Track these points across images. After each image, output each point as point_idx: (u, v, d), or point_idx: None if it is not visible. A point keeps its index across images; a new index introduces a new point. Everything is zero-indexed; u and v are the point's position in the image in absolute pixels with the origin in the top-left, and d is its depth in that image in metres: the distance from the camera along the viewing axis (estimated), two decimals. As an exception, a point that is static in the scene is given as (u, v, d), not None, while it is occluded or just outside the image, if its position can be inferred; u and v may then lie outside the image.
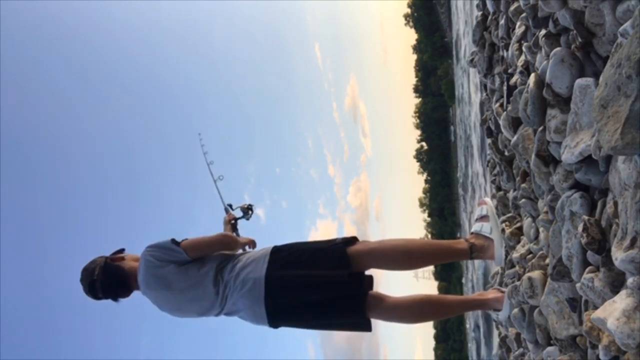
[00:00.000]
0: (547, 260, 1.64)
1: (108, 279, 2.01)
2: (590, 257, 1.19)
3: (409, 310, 2.01)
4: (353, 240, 1.99)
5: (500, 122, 2.08)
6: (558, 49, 1.36)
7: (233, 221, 2.55)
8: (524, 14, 1.84)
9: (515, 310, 1.90)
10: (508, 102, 1.97)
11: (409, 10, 66.01)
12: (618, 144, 0.87)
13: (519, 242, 2.12)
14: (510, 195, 2.34)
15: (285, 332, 2.13)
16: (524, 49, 1.75)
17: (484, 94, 3.12)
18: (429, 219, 72.62)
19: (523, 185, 1.93)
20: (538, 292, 1.65)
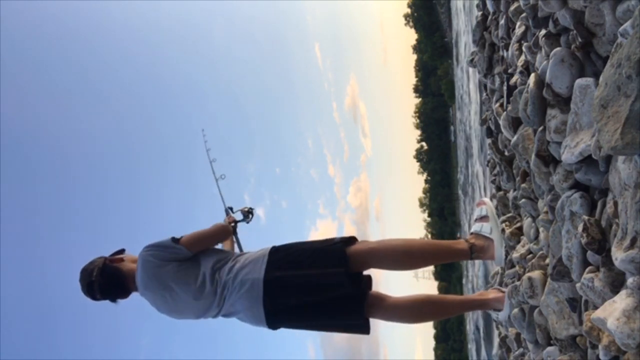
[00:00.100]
0: (547, 260, 1.64)
1: (106, 281, 2.01)
2: (590, 257, 1.19)
3: (410, 310, 2.01)
4: (352, 240, 1.98)
5: (500, 122, 2.08)
6: (558, 49, 1.36)
7: (233, 224, 2.55)
8: (524, 14, 1.84)
9: (515, 310, 1.90)
10: (508, 102, 1.97)
11: (409, 10, 66.03)
12: (618, 144, 0.87)
13: (519, 242, 2.12)
14: (510, 195, 2.34)
15: (285, 332, 2.12)
16: (524, 49, 1.75)
17: (484, 94, 3.12)
18: (429, 219, 72.63)
19: (523, 185, 1.93)
20: (538, 292, 1.65)
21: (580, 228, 1.19)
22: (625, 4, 1.04)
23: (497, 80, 2.58)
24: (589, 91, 1.19)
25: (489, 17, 2.70)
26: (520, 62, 1.83)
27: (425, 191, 74.96)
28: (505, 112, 2.00)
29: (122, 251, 2.18)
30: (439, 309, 2.05)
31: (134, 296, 2.09)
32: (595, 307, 1.13)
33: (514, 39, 1.96)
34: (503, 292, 2.07)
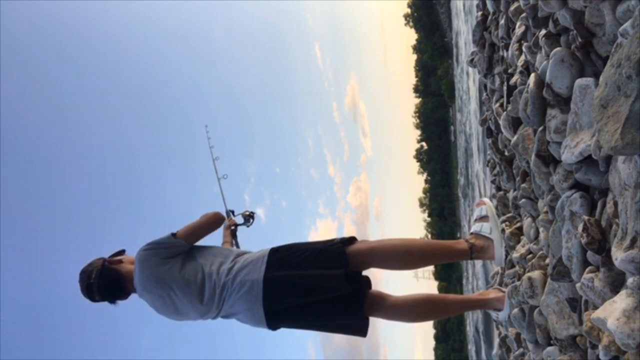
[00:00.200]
0: (547, 260, 1.64)
1: (104, 283, 2.01)
2: (590, 257, 1.19)
3: (410, 309, 2.00)
4: (352, 240, 1.98)
5: (500, 122, 2.08)
6: (558, 49, 1.36)
7: (233, 227, 2.55)
8: (524, 14, 1.84)
9: (515, 310, 1.90)
10: (508, 102, 1.97)
11: (409, 10, 66.06)
12: (618, 144, 0.87)
13: (519, 242, 2.12)
14: (510, 195, 2.34)
15: (285, 332, 2.12)
16: (524, 49, 1.75)
17: (484, 94, 3.12)
18: (429, 219, 72.63)
19: (523, 185, 1.93)
20: (538, 292, 1.65)
21: (580, 228, 1.19)
22: (625, 4, 1.04)
23: (497, 80, 2.58)
24: (589, 91, 1.19)
25: (489, 17, 2.70)
26: (520, 62, 1.83)
27: (425, 191, 74.97)
28: (505, 112, 2.00)
29: (122, 252, 2.18)
30: (439, 308, 2.05)
31: (134, 297, 2.08)
32: (595, 307, 1.13)
33: (514, 39, 1.96)
34: (503, 292, 2.07)
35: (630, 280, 0.95)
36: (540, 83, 1.48)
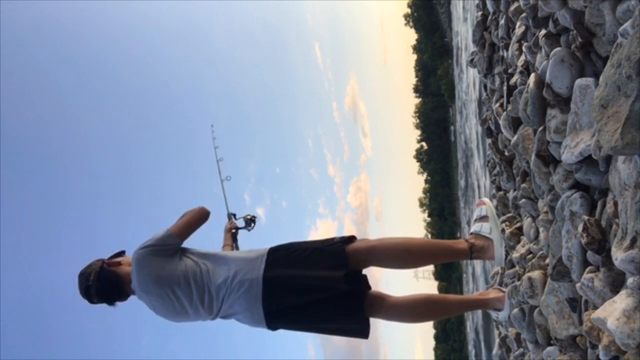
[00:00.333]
0: (547, 260, 1.64)
1: (103, 285, 2.00)
2: (590, 257, 1.19)
3: (410, 310, 2.00)
4: (351, 238, 1.98)
5: (500, 122, 2.08)
6: (558, 49, 1.36)
7: (234, 230, 2.54)
8: (524, 14, 1.84)
9: (515, 310, 1.90)
10: (508, 102, 1.97)
11: (409, 10, 66.08)
12: (618, 144, 0.87)
13: (519, 242, 2.12)
14: (510, 195, 2.34)
15: (285, 332, 2.11)
16: (524, 49, 1.75)
17: (484, 94, 3.12)
18: (429, 219, 72.63)
19: (523, 185, 1.93)
20: (538, 292, 1.65)
21: (580, 228, 1.19)
22: (625, 4, 1.04)
23: (497, 80, 2.58)
24: (589, 91, 1.19)
25: (489, 17, 2.70)
26: (520, 62, 1.83)
27: (425, 191, 74.98)
28: (505, 112, 2.00)
29: (121, 253, 2.16)
30: (439, 308, 2.05)
31: (134, 297, 2.07)
32: (595, 307, 1.13)
33: (514, 39, 1.96)
34: (503, 292, 2.07)
35: (630, 280, 0.95)
36: (540, 83, 1.48)
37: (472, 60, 3.16)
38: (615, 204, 1.08)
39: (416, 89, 72.43)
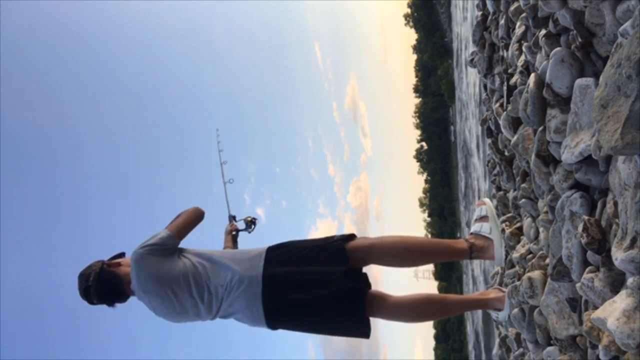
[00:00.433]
0: (547, 260, 1.64)
1: (102, 286, 2.00)
2: (590, 257, 1.19)
3: (410, 309, 2.00)
4: (351, 236, 1.98)
5: (500, 122, 2.08)
6: (558, 49, 1.36)
7: (234, 232, 2.54)
8: (524, 14, 1.84)
9: (515, 310, 1.90)
10: (508, 102, 1.97)
11: (409, 10, 66.09)
12: (618, 144, 0.87)
13: (519, 242, 2.12)
14: (510, 195, 2.34)
15: (285, 332, 2.11)
16: (524, 49, 1.75)
17: (484, 94, 3.12)
18: (429, 219, 72.63)
19: (523, 185, 1.93)
20: (538, 292, 1.65)
21: (580, 228, 1.19)
22: (625, 4, 1.04)
23: (497, 80, 2.58)
24: (589, 91, 1.20)
25: (489, 17, 2.70)
26: (520, 62, 1.83)
27: (425, 191, 74.99)
28: (505, 112, 2.00)
29: (121, 255, 2.16)
30: (439, 308, 2.05)
31: (134, 297, 2.07)
32: (595, 307, 1.13)
33: (514, 39, 1.96)
34: (503, 292, 2.07)
35: (630, 280, 0.95)
36: (540, 83, 1.48)
37: (472, 60, 3.16)
38: (615, 204, 1.08)
39: (416, 89, 72.45)
